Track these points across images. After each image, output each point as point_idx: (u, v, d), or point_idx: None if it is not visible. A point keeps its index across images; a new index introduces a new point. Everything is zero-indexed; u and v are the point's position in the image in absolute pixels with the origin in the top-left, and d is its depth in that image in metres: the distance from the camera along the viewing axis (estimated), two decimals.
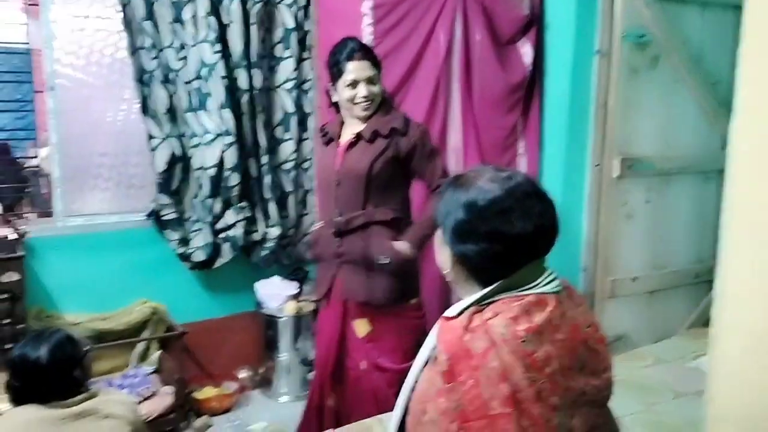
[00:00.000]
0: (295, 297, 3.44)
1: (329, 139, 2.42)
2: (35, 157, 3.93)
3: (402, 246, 2.31)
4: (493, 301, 1.18)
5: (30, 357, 1.69)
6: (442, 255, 1.26)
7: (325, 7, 3.24)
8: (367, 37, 3.02)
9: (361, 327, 2.41)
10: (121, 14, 2.99)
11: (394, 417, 1.25)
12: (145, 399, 2.94)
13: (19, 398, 1.71)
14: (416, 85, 3.20)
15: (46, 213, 3.32)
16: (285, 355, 3.41)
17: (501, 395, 1.07)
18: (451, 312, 1.20)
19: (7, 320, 2.65)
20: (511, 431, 1.06)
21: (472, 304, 1.18)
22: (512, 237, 1.16)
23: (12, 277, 2.58)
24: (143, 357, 3.22)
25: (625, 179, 3.03)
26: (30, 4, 3.20)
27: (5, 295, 2.62)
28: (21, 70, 5.23)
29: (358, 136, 2.33)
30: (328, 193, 2.41)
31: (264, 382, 3.51)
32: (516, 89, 3.21)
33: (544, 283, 1.19)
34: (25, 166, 4.66)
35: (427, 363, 1.21)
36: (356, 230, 2.35)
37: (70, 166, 3.14)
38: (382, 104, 2.37)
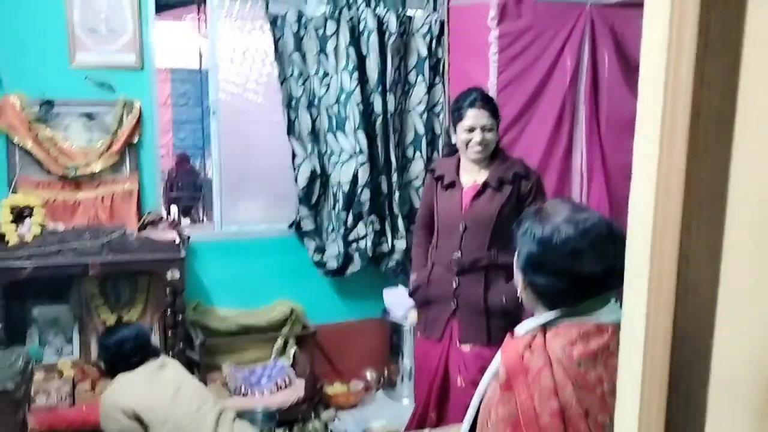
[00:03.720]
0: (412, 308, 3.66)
1: (451, 182, 2.55)
2: (197, 171, 4.49)
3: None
4: (557, 325, 1.31)
5: (128, 335, 2.48)
6: (516, 277, 1.41)
7: (455, 37, 3.45)
8: (492, 64, 3.18)
9: (466, 346, 2.55)
10: (274, 47, 3.39)
11: (466, 418, 1.42)
12: (282, 389, 3.30)
13: (114, 370, 2.43)
14: (541, 108, 3.30)
15: (207, 219, 3.81)
16: (408, 360, 3.64)
17: (551, 409, 1.21)
18: (518, 331, 1.35)
19: (170, 310, 3.12)
20: None
21: (537, 326, 1.33)
22: (580, 277, 1.28)
23: (175, 274, 3.04)
24: (281, 351, 3.60)
25: None
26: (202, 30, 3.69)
27: (169, 289, 3.08)
28: (186, 95, 6.02)
29: (485, 185, 2.48)
30: (450, 235, 2.55)
31: (388, 384, 3.77)
32: None
33: (606, 313, 1.30)
34: (200, 175, 5.33)
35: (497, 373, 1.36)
36: (475, 271, 2.49)
37: (228, 179, 3.60)
38: (498, 152, 2.53)
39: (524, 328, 1.35)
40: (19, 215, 2.88)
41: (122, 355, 2.43)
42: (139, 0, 3.13)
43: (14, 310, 2.99)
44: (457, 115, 2.50)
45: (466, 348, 2.53)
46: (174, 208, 5.51)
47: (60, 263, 2.82)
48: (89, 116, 3.14)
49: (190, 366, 2.99)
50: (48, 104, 3.02)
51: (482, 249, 2.48)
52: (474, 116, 2.45)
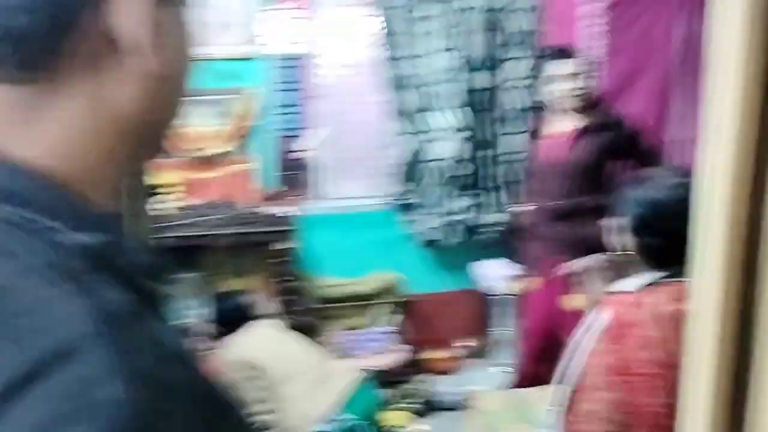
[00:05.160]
0: (514, 278, 3.79)
1: (543, 133, 2.76)
2: (305, 150, 4.75)
3: None
4: (660, 284, 1.44)
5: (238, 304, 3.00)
6: (618, 240, 1.55)
7: (556, 12, 3.51)
8: (594, 38, 3.22)
9: (578, 301, 2.70)
10: (380, 28, 3.57)
11: (568, 372, 1.57)
12: (382, 353, 3.53)
13: (226, 332, 2.78)
14: (643, 81, 3.31)
15: (315, 195, 4.08)
16: (502, 329, 3.79)
17: (656, 358, 1.34)
18: (621, 289, 1.49)
19: (281, 278, 3.40)
20: (660, 388, 1.33)
21: (640, 286, 1.46)
22: (683, 236, 1.40)
23: (290, 245, 3.32)
24: (382, 318, 3.83)
25: None
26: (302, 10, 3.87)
27: (284, 259, 3.37)
28: (294, 79, 6.29)
29: (584, 130, 2.62)
30: (543, 181, 2.74)
31: (481, 352, 3.93)
32: None
33: None
34: (297, 156, 5.66)
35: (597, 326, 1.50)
36: (568, 214, 2.65)
37: (334, 158, 3.84)
38: (598, 103, 2.64)
39: (630, 287, 1.48)
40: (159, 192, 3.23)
41: (233, 319, 2.82)
42: None
43: None
44: (541, 71, 2.69)
45: (578, 304, 2.66)
46: None
47: (195, 234, 3.17)
48: (215, 103, 3.45)
49: (301, 330, 3.24)
50: None
51: (574, 193, 2.63)
52: (560, 67, 2.61)
